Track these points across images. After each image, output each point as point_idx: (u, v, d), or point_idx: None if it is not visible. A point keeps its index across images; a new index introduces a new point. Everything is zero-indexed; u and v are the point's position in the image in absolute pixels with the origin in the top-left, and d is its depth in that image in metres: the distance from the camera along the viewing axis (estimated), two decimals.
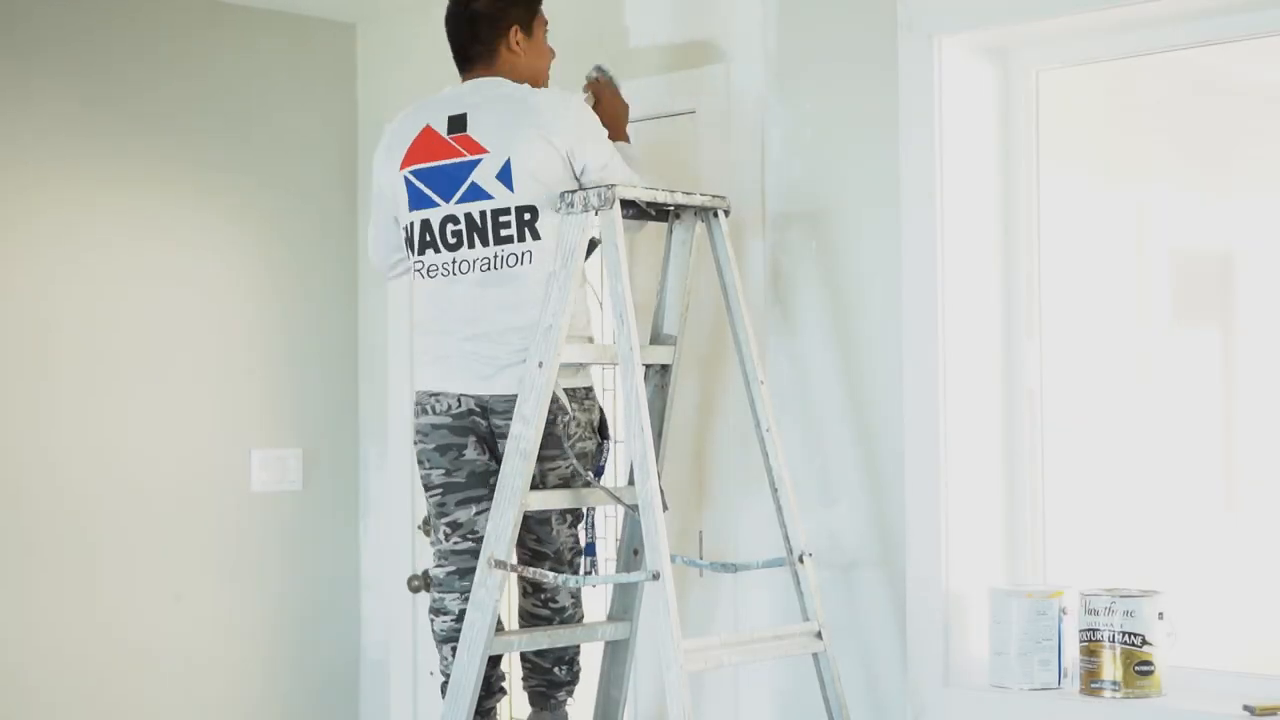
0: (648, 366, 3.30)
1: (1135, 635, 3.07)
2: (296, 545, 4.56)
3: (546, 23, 3.46)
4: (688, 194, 3.26)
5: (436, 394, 3.38)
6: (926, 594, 3.27)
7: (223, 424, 4.42)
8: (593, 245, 3.22)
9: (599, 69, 3.59)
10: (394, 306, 4.57)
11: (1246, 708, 2.93)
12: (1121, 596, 3.09)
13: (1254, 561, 3.23)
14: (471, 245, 3.26)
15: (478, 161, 3.24)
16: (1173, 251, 3.42)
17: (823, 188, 3.52)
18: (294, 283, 4.57)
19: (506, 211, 3.23)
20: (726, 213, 3.32)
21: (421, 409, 3.42)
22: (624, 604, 3.45)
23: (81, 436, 4.17)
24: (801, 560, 3.19)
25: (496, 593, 3.12)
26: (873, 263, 3.41)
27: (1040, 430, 3.39)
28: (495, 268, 3.25)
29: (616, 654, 3.49)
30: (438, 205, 3.29)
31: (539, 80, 3.40)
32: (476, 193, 3.25)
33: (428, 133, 3.32)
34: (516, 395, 3.19)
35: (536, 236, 3.22)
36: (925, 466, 3.29)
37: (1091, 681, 3.11)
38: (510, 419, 3.19)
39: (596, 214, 3.09)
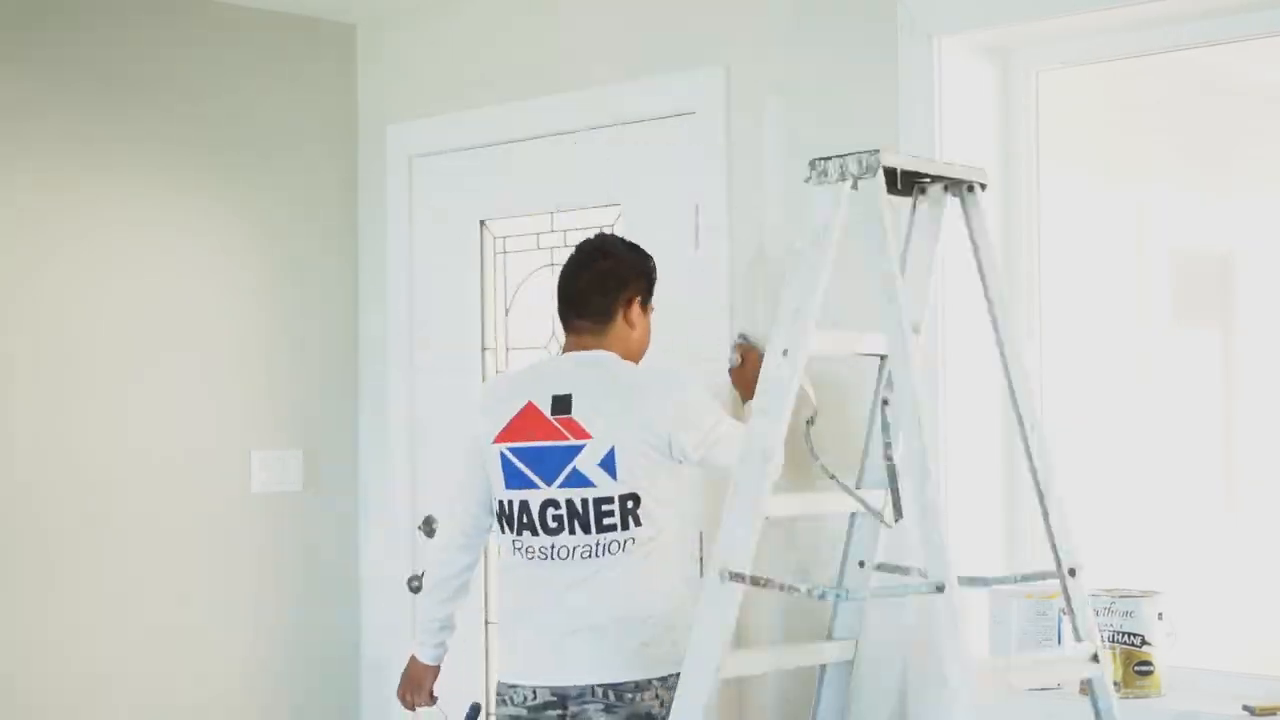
0: (882, 358, 2.93)
1: (1135, 635, 3.06)
2: (296, 546, 4.56)
3: (652, 310, 3.38)
4: (948, 164, 2.88)
5: (514, 685, 3.27)
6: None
7: (223, 424, 4.42)
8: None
9: (743, 337, 3.60)
10: (394, 307, 4.58)
11: (1246, 708, 2.93)
12: (1121, 596, 3.09)
13: (1254, 561, 3.23)
14: (573, 531, 3.18)
15: (581, 447, 3.16)
16: (1173, 251, 3.42)
17: None
18: (294, 283, 4.57)
19: (610, 500, 3.16)
20: (984, 186, 2.87)
21: (500, 700, 3.31)
22: (847, 621, 3.08)
23: (81, 437, 4.17)
24: (1072, 574, 2.79)
25: (731, 609, 2.72)
26: None
27: (1040, 430, 3.38)
28: (596, 555, 3.17)
29: (836, 679, 3.10)
30: (538, 488, 3.20)
31: (638, 358, 3.32)
32: (579, 479, 3.17)
33: (531, 410, 3.22)
34: (593, 684, 3.13)
35: (639, 524, 3.16)
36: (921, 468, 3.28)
37: None
38: (586, 706, 3.14)
39: (855, 185, 2.70)
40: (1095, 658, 2.79)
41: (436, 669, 3.54)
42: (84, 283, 4.19)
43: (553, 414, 3.19)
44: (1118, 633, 3.07)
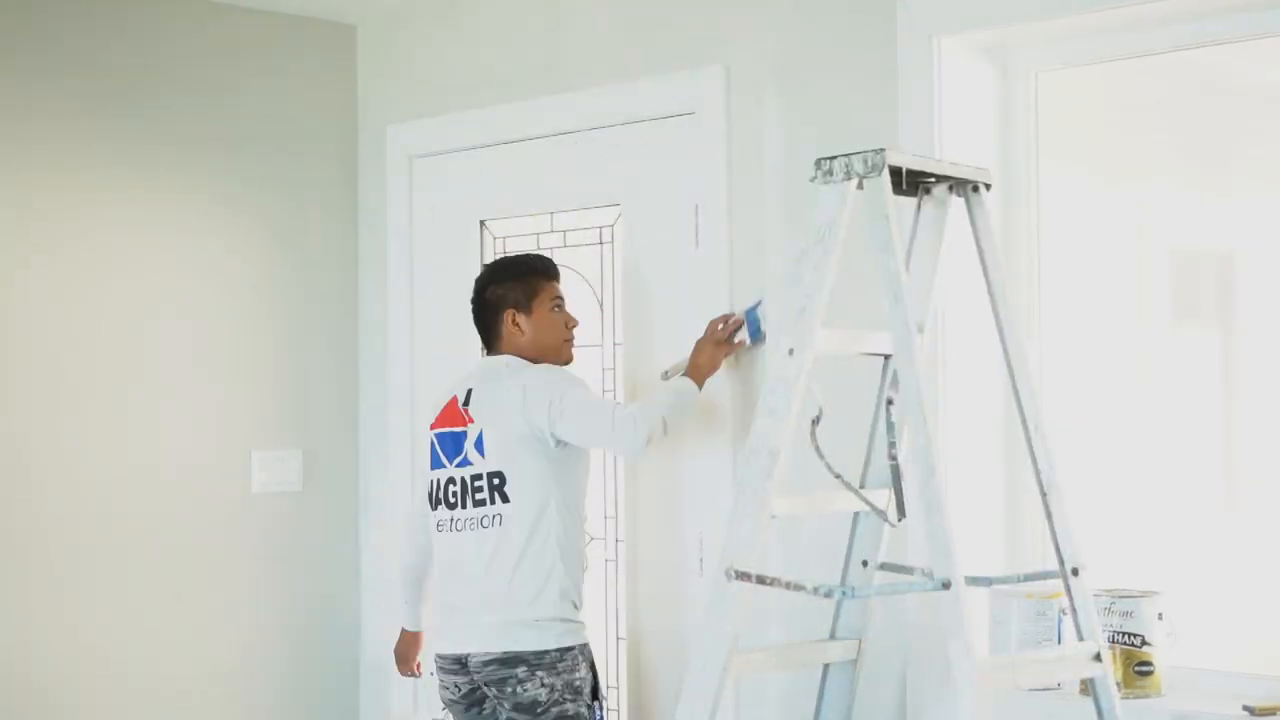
0: (886, 357, 2.93)
1: (1135, 635, 3.06)
2: (296, 546, 4.56)
3: (557, 296, 3.71)
4: (954, 164, 2.90)
5: (443, 655, 3.67)
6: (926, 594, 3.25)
7: (223, 424, 4.42)
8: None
9: (759, 304, 3.61)
10: (394, 307, 4.58)
11: (1246, 708, 2.93)
12: (1121, 597, 3.09)
13: (1254, 561, 3.23)
14: (462, 506, 3.62)
15: (466, 431, 3.63)
16: (1173, 251, 3.42)
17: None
18: (294, 283, 4.57)
19: (480, 476, 3.60)
20: (988, 186, 2.91)
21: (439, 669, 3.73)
22: (850, 620, 3.06)
23: (81, 437, 4.17)
24: (1075, 574, 2.81)
25: (736, 610, 2.71)
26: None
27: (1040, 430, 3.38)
28: (480, 527, 3.59)
29: (839, 679, 3.07)
30: (444, 467, 3.67)
31: (549, 351, 3.69)
32: (465, 460, 3.63)
33: (453, 402, 3.69)
34: (491, 653, 3.51)
35: (506, 500, 3.56)
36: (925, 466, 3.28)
37: None
38: (488, 676, 3.53)
39: (860, 184, 2.71)
40: (1098, 657, 2.80)
41: (419, 636, 3.96)
42: (84, 282, 4.19)
43: (463, 404, 3.66)
44: (1118, 633, 3.07)
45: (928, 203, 2.93)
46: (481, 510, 3.58)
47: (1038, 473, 2.83)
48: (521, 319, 3.68)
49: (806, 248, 2.75)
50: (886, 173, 2.69)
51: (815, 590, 2.66)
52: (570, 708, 3.50)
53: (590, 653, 3.60)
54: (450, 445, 3.66)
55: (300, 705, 4.55)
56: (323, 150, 4.65)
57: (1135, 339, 3.48)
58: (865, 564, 3.04)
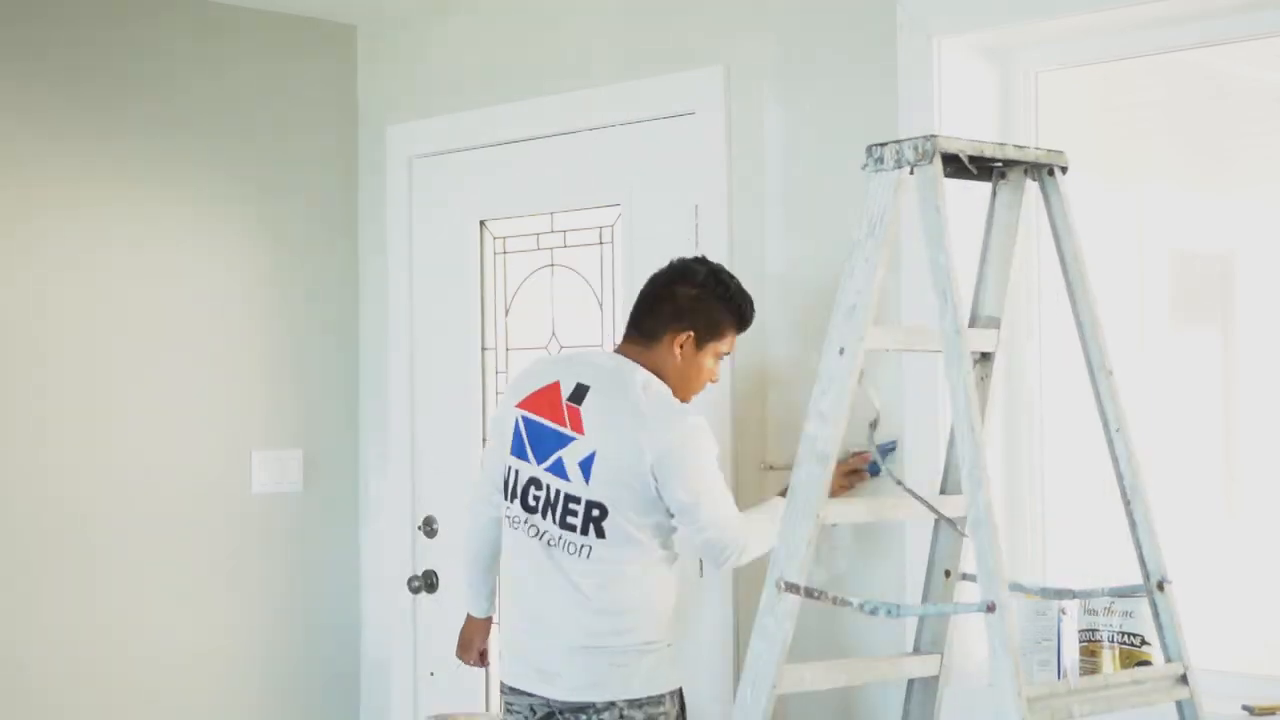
0: (984, 355, 2.81)
1: (1134, 635, 3.06)
2: (297, 546, 4.56)
3: (720, 355, 3.32)
4: (1019, 147, 2.72)
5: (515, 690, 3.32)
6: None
7: (223, 425, 4.42)
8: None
9: (894, 446, 3.35)
10: (394, 308, 4.58)
11: (1246, 708, 2.93)
12: (1121, 597, 3.09)
13: (1254, 561, 3.23)
14: (544, 516, 3.22)
15: (570, 440, 3.18)
16: (1173, 251, 3.42)
17: (823, 186, 3.52)
18: (294, 283, 4.57)
19: (577, 501, 3.17)
20: (1064, 170, 2.73)
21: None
22: (933, 633, 2.93)
23: (81, 438, 4.17)
24: (1161, 587, 2.66)
25: (788, 621, 2.61)
26: None
27: (1040, 430, 3.39)
28: (564, 549, 3.19)
29: (924, 694, 2.96)
30: (529, 462, 3.24)
31: (679, 390, 3.26)
32: (559, 468, 3.19)
33: (553, 389, 3.24)
34: (579, 702, 3.17)
35: (602, 536, 3.16)
36: (925, 466, 3.28)
37: None
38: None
39: (912, 171, 2.57)
40: (1184, 679, 2.63)
41: (487, 623, 3.60)
42: (84, 283, 4.19)
43: (568, 399, 3.21)
44: (1117, 633, 3.07)
45: (1004, 188, 2.76)
46: (571, 535, 3.19)
47: (1120, 478, 2.66)
48: (688, 348, 3.26)
49: (858, 240, 2.60)
50: (939, 160, 2.53)
51: (861, 607, 2.51)
52: None
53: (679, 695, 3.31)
54: (543, 441, 3.23)
55: (300, 705, 4.55)
56: (323, 150, 4.65)
57: (1135, 339, 3.47)
58: (948, 574, 2.86)
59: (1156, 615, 2.68)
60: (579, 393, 3.20)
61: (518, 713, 3.29)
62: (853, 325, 2.58)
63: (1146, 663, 3.05)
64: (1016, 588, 2.75)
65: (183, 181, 4.37)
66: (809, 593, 2.59)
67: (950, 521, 2.72)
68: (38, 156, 4.13)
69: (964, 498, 2.49)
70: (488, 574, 3.54)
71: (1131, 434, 2.67)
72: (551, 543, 3.20)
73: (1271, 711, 2.89)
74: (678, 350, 3.25)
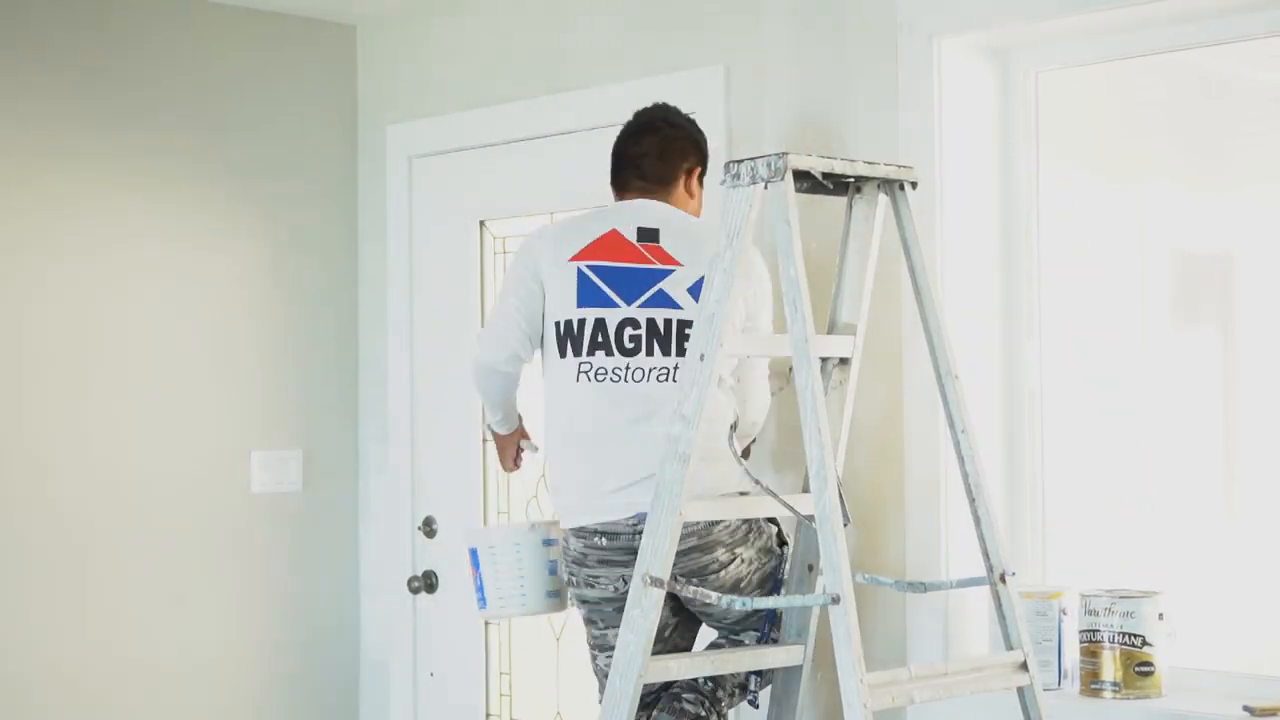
0: (824, 360, 2.97)
1: (1135, 636, 3.06)
2: (297, 547, 4.56)
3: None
4: (870, 164, 2.89)
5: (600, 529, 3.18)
6: (927, 594, 3.26)
7: (223, 425, 4.42)
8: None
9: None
10: (394, 307, 4.58)
11: (1246, 708, 2.93)
12: (1121, 597, 3.09)
13: (1254, 561, 3.23)
14: (650, 353, 3.15)
15: (669, 272, 3.17)
16: (1173, 251, 3.42)
17: None
18: (294, 283, 4.57)
19: (688, 324, 3.12)
20: (914, 185, 2.91)
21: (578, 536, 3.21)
22: (798, 625, 3.10)
23: (81, 438, 4.17)
24: (1003, 580, 2.78)
25: (653, 614, 2.77)
26: None
27: (1040, 430, 3.39)
28: (672, 379, 3.13)
29: (788, 683, 3.13)
30: (616, 306, 3.17)
31: None
32: (663, 300, 3.16)
33: (614, 236, 3.21)
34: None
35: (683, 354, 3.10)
36: (925, 466, 3.29)
37: (1091, 682, 3.11)
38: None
39: (766, 187, 2.73)
40: (1024, 666, 2.76)
41: (517, 432, 3.54)
42: (83, 283, 4.19)
43: (639, 241, 3.19)
44: (1118, 633, 3.07)
45: (859, 202, 2.96)
46: (675, 360, 3.13)
47: (965, 476, 2.82)
48: (695, 183, 3.33)
49: (719, 252, 2.77)
50: (790, 176, 2.70)
51: (719, 601, 2.71)
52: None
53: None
54: (628, 282, 3.16)
55: (300, 705, 4.55)
56: (323, 150, 4.65)
57: (1135, 339, 3.47)
58: (810, 569, 3.06)
59: (999, 606, 2.80)
60: (648, 234, 3.20)
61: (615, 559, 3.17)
62: (712, 332, 2.75)
63: (1148, 663, 3.06)
64: (872, 580, 2.89)
65: (182, 180, 4.36)
66: (671, 587, 2.78)
67: (805, 519, 2.84)
68: (37, 156, 4.13)
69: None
70: (512, 405, 3.44)
71: (976, 435, 2.84)
72: (661, 379, 3.13)
73: (1272, 712, 2.89)
74: (693, 186, 3.34)
